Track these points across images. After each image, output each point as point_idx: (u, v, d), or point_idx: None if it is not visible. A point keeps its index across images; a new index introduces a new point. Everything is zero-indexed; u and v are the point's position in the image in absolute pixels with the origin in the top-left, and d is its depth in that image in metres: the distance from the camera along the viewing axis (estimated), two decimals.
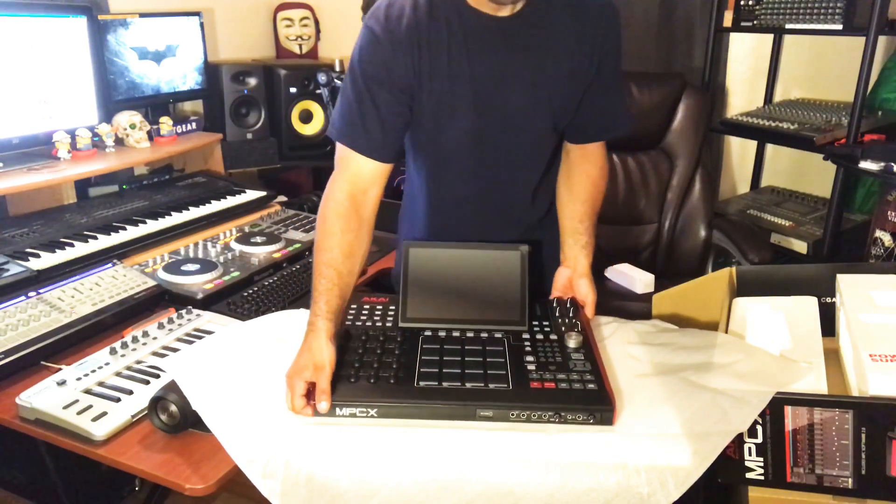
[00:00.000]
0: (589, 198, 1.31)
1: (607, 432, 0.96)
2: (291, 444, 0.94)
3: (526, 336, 1.15)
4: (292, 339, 1.12)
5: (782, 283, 1.21)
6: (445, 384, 1.02)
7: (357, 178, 1.18)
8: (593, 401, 0.98)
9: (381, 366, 1.05)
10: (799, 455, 0.94)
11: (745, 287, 1.23)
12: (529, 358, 1.09)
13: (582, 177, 1.32)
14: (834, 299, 1.18)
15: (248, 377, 1.08)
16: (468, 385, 1.01)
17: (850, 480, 0.92)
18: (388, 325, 1.18)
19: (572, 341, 1.12)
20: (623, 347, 1.18)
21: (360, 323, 1.19)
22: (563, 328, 1.17)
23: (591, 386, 1.01)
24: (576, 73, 1.21)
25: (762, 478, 0.96)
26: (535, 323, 1.19)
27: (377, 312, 1.22)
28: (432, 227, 1.37)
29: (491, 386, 1.01)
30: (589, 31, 1.19)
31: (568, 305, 1.24)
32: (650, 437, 0.94)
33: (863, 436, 0.91)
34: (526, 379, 1.03)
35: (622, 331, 1.24)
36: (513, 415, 0.97)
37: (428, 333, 1.15)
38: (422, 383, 1.02)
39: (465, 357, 1.08)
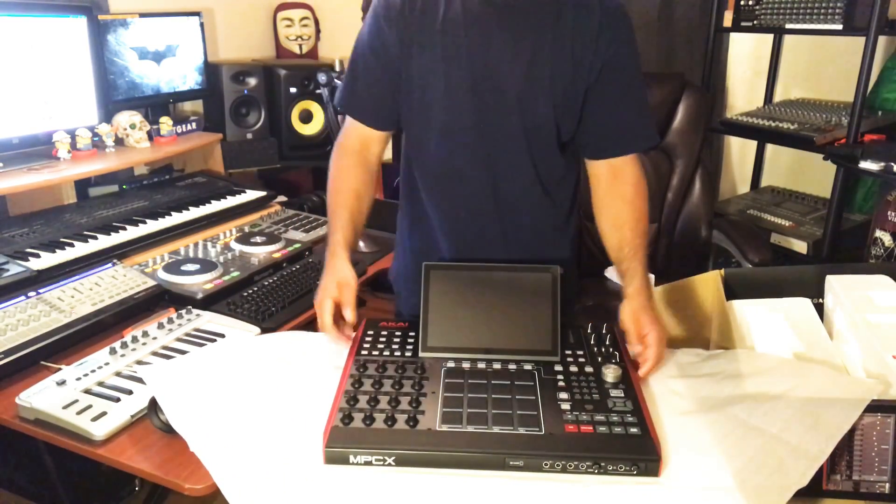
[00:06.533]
0: (626, 221, 1.23)
1: (650, 484, 0.87)
2: (295, 492, 0.86)
3: (559, 368, 1.05)
4: (296, 362, 1.07)
5: (771, 285, 1.20)
6: (470, 428, 0.91)
7: (361, 134, 1.28)
8: (636, 449, 0.88)
9: (399, 404, 0.96)
10: (837, 462, 0.91)
11: (735, 289, 1.23)
12: (563, 395, 0.98)
13: (616, 201, 1.25)
14: (822, 300, 1.18)
15: (247, 409, 1.00)
16: (495, 429, 0.91)
17: (886, 485, 0.91)
18: (408, 354, 1.09)
19: (610, 375, 1.02)
20: (664, 383, 1.07)
21: (376, 352, 1.09)
22: (599, 359, 1.07)
23: (633, 430, 0.91)
24: (579, 61, 1.16)
25: None
26: (569, 352, 1.09)
27: (395, 340, 1.12)
28: (444, 234, 1.30)
29: (521, 430, 0.91)
30: (594, 23, 1.15)
31: (604, 331, 1.15)
32: (699, 490, 0.85)
33: None
34: (560, 421, 0.93)
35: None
36: (546, 465, 0.88)
37: (451, 365, 1.05)
38: (444, 427, 0.92)
39: (491, 394, 0.98)
